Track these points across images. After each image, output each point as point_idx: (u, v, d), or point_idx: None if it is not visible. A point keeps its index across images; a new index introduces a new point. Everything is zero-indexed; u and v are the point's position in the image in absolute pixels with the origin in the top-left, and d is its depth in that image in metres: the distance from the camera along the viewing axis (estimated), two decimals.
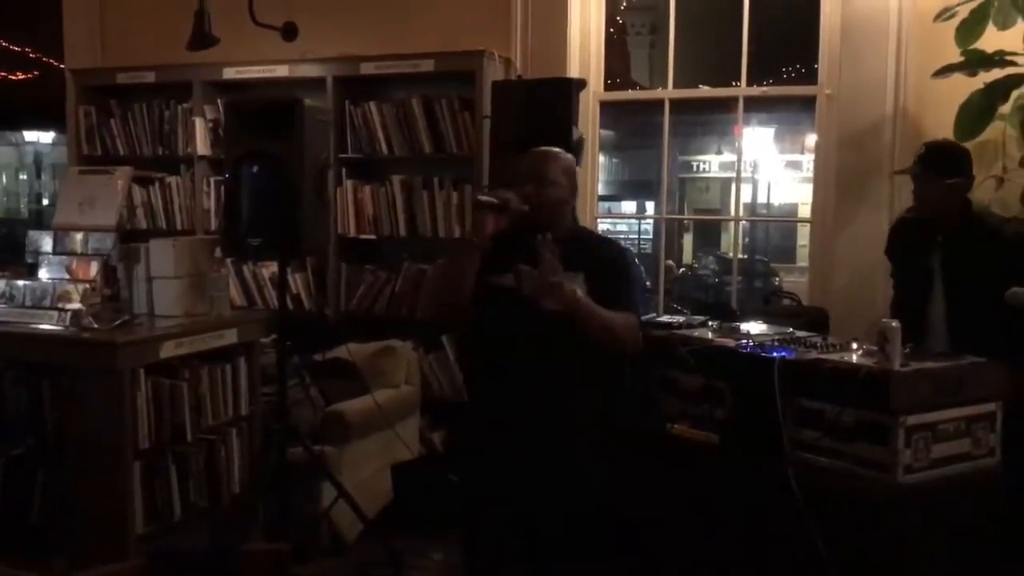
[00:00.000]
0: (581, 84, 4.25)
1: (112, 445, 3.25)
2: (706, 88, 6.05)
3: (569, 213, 2.79)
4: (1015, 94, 3.71)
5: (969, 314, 3.29)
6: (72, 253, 3.77)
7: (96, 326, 3.41)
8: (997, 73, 3.70)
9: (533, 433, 2.62)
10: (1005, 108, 3.78)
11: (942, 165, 3.33)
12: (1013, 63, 3.66)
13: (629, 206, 20.66)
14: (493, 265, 2.62)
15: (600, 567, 2.73)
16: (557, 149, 2.81)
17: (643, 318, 3.61)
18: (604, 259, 2.71)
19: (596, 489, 2.70)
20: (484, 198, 2.60)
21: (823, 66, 4.48)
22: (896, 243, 3.64)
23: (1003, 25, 3.64)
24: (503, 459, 2.65)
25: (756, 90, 4.84)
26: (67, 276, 3.70)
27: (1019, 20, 3.64)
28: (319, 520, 3.80)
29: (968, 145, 3.90)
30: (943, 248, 3.40)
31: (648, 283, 13.36)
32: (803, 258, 14.74)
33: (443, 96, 4.70)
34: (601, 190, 5.35)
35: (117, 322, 3.44)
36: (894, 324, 2.68)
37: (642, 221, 19.68)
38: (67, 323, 3.43)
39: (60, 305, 3.54)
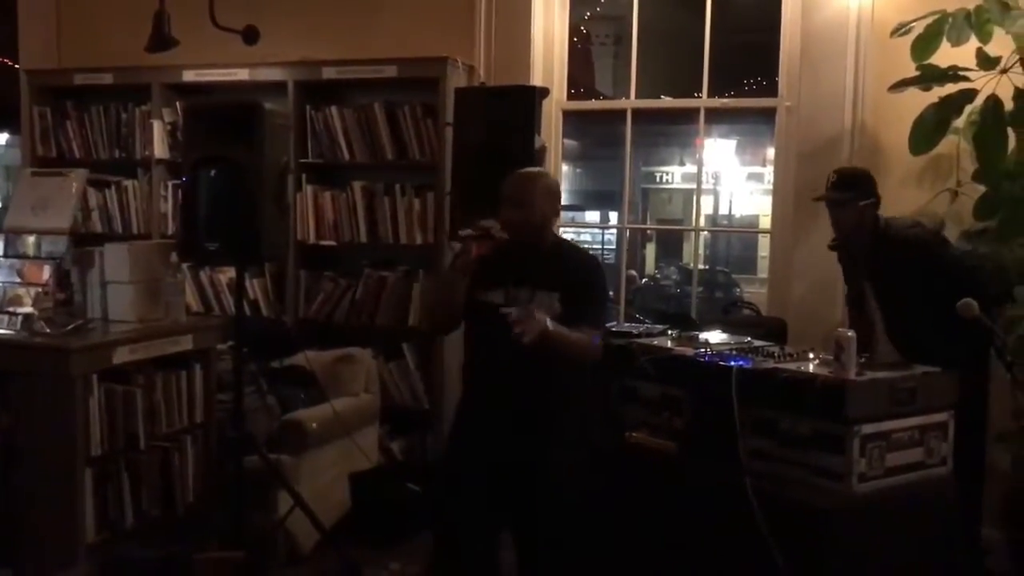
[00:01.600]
0: (544, 92, 4.26)
1: (63, 452, 3.19)
2: (668, 99, 6.09)
3: (550, 231, 3.00)
4: (968, 109, 3.78)
5: (904, 323, 3.44)
6: (24, 256, 3.70)
7: (48, 331, 3.34)
8: (951, 88, 3.76)
9: (510, 430, 2.87)
10: (959, 122, 3.85)
11: (856, 188, 3.55)
12: (966, 78, 3.73)
13: (592, 216, 20.75)
14: (482, 281, 2.92)
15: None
16: (538, 170, 3.04)
17: (605, 326, 3.64)
18: (578, 280, 2.90)
19: (568, 492, 2.86)
20: (465, 232, 2.92)
21: (783, 79, 4.53)
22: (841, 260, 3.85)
23: (956, 41, 3.71)
24: (482, 450, 2.92)
25: (717, 101, 4.88)
26: (18, 280, 3.62)
27: (972, 37, 3.71)
28: (275, 530, 3.75)
29: (922, 159, 3.99)
30: (864, 266, 3.60)
31: (611, 293, 13.46)
32: (764, 269, 14.89)
33: (406, 102, 4.68)
34: (564, 199, 5.35)
35: (70, 327, 3.38)
36: (849, 334, 2.72)
37: (605, 231, 19.80)
38: (18, 327, 3.37)
39: (11, 309, 3.48)
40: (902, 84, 3.85)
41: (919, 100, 3.87)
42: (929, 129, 3.78)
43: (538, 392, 2.86)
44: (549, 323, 2.70)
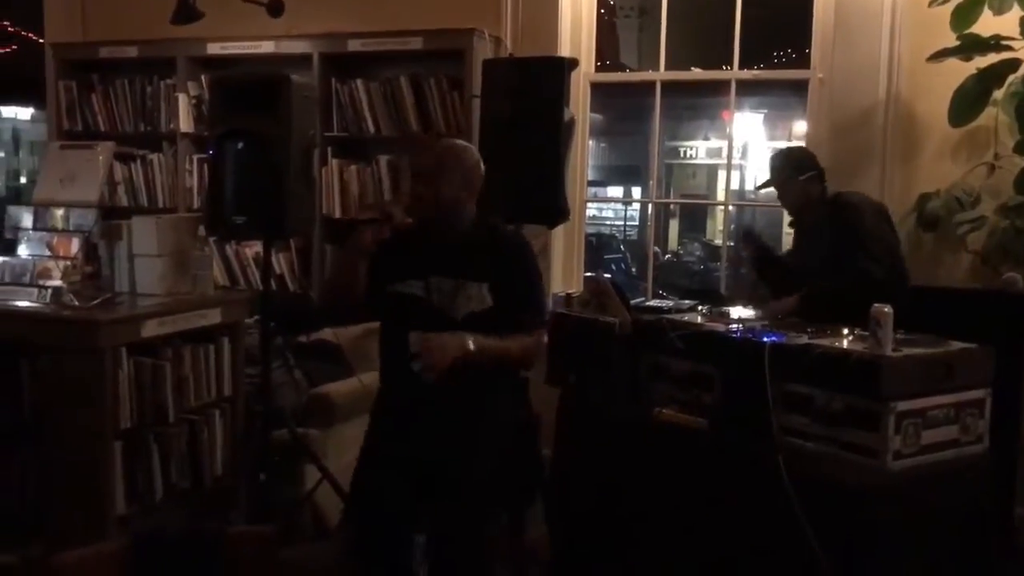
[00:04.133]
0: (573, 63, 4.19)
1: (93, 425, 3.20)
2: (698, 71, 6.01)
3: (468, 212, 2.74)
4: (1010, 79, 3.70)
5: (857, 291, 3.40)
6: (53, 229, 3.70)
7: (77, 304, 3.35)
8: (992, 58, 3.68)
9: (436, 428, 2.68)
10: (999, 94, 3.76)
11: (793, 167, 3.70)
12: (1009, 47, 3.64)
13: (614, 191, 20.63)
14: (396, 269, 2.66)
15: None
16: (461, 143, 2.82)
17: (632, 303, 3.61)
18: (512, 268, 2.69)
19: (486, 491, 2.72)
20: (364, 217, 2.64)
21: (816, 50, 4.45)
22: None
23: (999, 9, 3.63)
24: (406, 450, 2.71)
25: (748, 73, 4.80)
26: (48, 253, 3.63)
27: (1015, 5, 3.62)
28: (302, 503, 3.77)
29: (959, 131, 3.92)
30: (815, 236, 3.68)
31: (633, 269, 13.38)
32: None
33: (431, 75, 4.64)
34: (588, 175, 5.33)
35: (98, 300, 3.38)
36: (886, 309, 2.66)
37: (629, 206, 19.70)
38: (47, 300, 3.37)
39: (40, 282, 3.48)
40: (942, 54, 3.76)
41: (956, 71, 3.80)
42: (970, 100, 3.71)
43: (457, 395, 2.65)
44: (470, 342, 2.52)
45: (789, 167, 3.72)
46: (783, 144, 19.52)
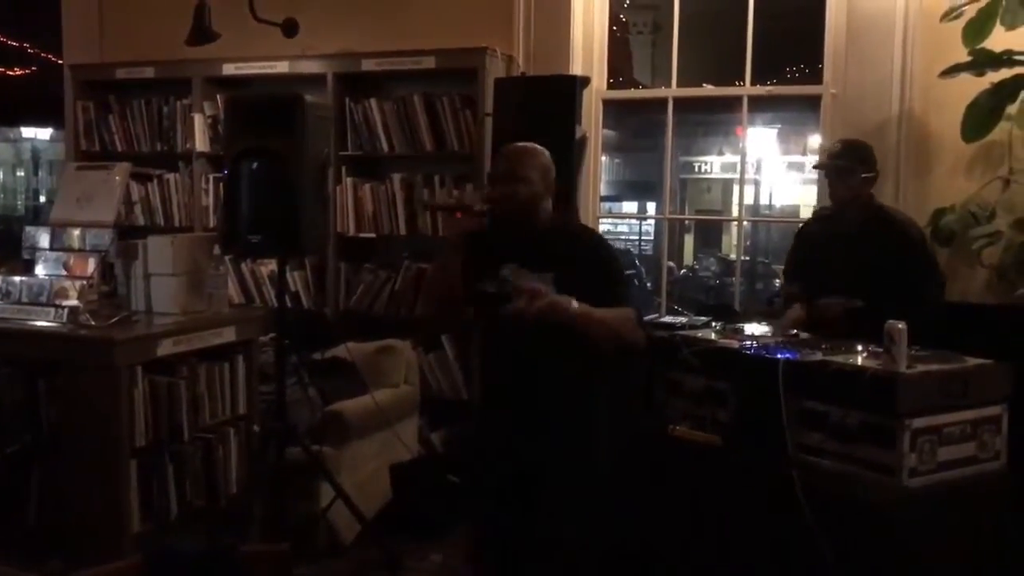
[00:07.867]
0: (585, 81, 4.21)
1: (109, 443, 3.22)
2: (710, 87, 6.02)
3: (545, 209, 2.76)
4: (1023, 94, 3.68)
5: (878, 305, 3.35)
6: (69, 249, 3.73)
7: (93, 323, 3.38)
8: (1005, 73, 3.67)
9: (539, 431, 2.69)
10: (1012, 109, 3.75)
11: (860, 159, 3.56)
12: (1021, 62, 3.63)
13: (629, 207, 20.64)
14: (479, 270, 2.69)
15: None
16: (533, 145, 2.83)
17: (645, 319, 3.60)
18: (580, 254, 2.70)
19: (575, 506, 2.71)
20: (435, 202, 2.71)
21: (828, 66, 4.44)
22: (804, 241, 3.82)
23: (1011, 24, 3.61)
24: (510, 454, 2.73)
25: (761, 89, 4.80)
26: (64, 272, 3.66)
27: None
28: (317, 520, 3.77)
29: (973, 147, 3.90)
30: (853, 240, 3.55)
31: (648, 284, 13.38)
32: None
33: (444, 93, 4.67)
34: (601, 191, 5.35)
35: (114, 319, 3.41)
36: (900, 326, 2.65)
37: (643, 222, 19.70)
38: (64, 320, 3.40)
39: (57, 302, 3.51)
40: (954, 70, 3.75)
41: (970, 86, 3.78)
42: (983, 115, 3.69)
43: (544, 390, 2.69)
44: (575, 302, 2.52)
45: (857, 158, 3.56)
46: (798, 159, 19.50)
